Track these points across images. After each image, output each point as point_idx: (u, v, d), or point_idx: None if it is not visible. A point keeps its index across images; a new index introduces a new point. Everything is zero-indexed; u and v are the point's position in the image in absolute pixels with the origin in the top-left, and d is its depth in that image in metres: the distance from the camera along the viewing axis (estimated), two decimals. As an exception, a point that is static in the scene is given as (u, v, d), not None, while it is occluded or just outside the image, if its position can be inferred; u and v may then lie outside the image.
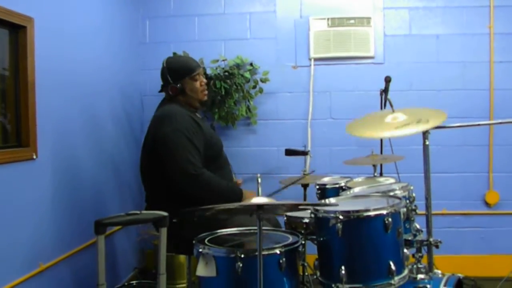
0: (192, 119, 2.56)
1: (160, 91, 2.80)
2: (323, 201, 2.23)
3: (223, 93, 3.71)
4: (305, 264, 2.83)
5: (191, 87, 2.67)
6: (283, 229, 2.49)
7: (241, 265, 1.85)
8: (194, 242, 2.04)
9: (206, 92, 2.75)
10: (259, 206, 1.71)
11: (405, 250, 1.98)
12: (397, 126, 2.19)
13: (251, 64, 3.85)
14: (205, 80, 2.75)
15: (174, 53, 3.68)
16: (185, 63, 2.72)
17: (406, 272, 1.94)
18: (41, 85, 2.43)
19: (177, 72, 2.65)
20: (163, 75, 2.70)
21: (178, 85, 2.64)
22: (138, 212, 2.03)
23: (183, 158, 2.41)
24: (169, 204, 2.37)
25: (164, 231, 2.08)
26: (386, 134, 2.48)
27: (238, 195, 2.55)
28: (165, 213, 2.08)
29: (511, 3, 3.76)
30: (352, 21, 3.83)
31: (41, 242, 2.43)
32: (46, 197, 2.50)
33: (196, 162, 2.43)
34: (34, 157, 2.37)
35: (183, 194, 2.45)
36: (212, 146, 2.61)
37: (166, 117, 2.54)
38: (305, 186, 3.15)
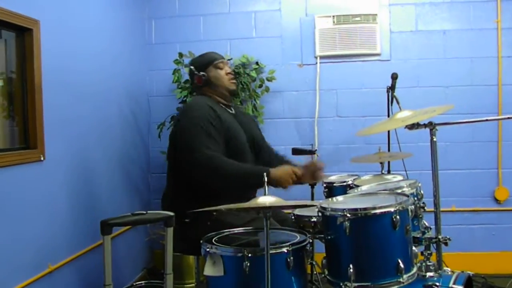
0: (212, 109, 2.48)
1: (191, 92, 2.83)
2: (330, 199, 2.21)
3: (229, 92, 3.70)
4: (313, 262, 2.82)
5: (214, 74, 2.65)
6: (291, 227, 2.48)
7: (248, 264, 1.84)
8: (201, 241, 2.04)
9: (234, 81, 2.71)
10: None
11: (413, 248, 1.97)
12: (404, 120, 2.18)
13: (257, 63, 3.85)
14: (230, 69, 2.72)
15: (180, 54, 3.69)
16: (207, 54, 2.77)
17: (415, 270, 1.92)
18: (48, 87, 2.44)
19: (201, 62, 2.71)
20: (190, 71, 2.72)
21: (203, 75, 2.64)
22: (144, 212, 2.04)
23: (194, 144, 2.34)
24: (186, 203, 2.32)
25: (170, 231, 2.08)
26: (393, 126, 2.48)
27: (259, 177, 2.00)
28: (171, 213, 2.08)
29: (519, -3, 3.73)
30: (357, 18, 3.81)
31: (50, 243, 2.45)
32: (55, 198, 2.51)
33: (206, 148, 2.32)
34: (42, 158, 2.39)
35: (199, 186, 2.36)
36: (230, 138, 2.49)
37: (185, 110, 2.59)
38: (312, 184, 3.13)
